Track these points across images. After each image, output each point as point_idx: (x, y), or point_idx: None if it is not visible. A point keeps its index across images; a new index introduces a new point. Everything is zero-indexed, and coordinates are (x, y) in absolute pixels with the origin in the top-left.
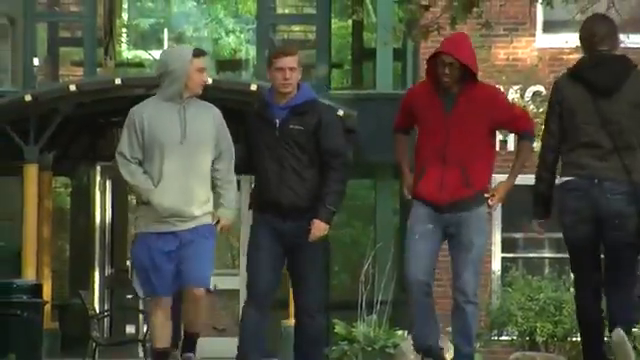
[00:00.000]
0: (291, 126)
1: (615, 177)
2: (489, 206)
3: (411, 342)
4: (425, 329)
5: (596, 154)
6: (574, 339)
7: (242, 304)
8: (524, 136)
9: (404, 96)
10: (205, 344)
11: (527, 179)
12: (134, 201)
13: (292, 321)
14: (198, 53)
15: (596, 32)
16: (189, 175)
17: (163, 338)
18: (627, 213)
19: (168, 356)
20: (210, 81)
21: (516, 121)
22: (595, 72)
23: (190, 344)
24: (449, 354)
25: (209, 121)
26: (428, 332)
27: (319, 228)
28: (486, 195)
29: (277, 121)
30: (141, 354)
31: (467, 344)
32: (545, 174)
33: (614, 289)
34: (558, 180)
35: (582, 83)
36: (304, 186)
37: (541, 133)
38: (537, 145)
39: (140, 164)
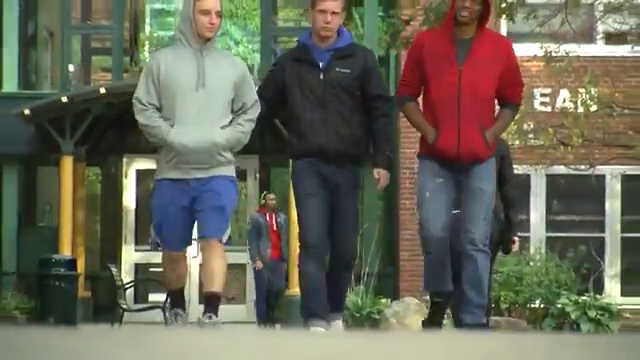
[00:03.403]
0: (337, 69)
1: None
2: None
3: (422, 287)
4: (439, 278)
5: None
6: (532, 306)
7: (250, 275)
8: (511, 106)
9: (412, 47)
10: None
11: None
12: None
13: (295, 290)
14: None
15: None
16: (205, 123)
17: (176, 281)
18: None
19: (183, 293)
20: None
21: (514, 87)
22: None
23: (210, 305)
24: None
25: (230, 70)
26: (442, 279)
27: (385, 176)
28: None
29: (321, 64)
30: (161, 319)
31: (478, 295)
32: None
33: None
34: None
35: None
36: (350, 131)
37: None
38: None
39: (157, 110)
